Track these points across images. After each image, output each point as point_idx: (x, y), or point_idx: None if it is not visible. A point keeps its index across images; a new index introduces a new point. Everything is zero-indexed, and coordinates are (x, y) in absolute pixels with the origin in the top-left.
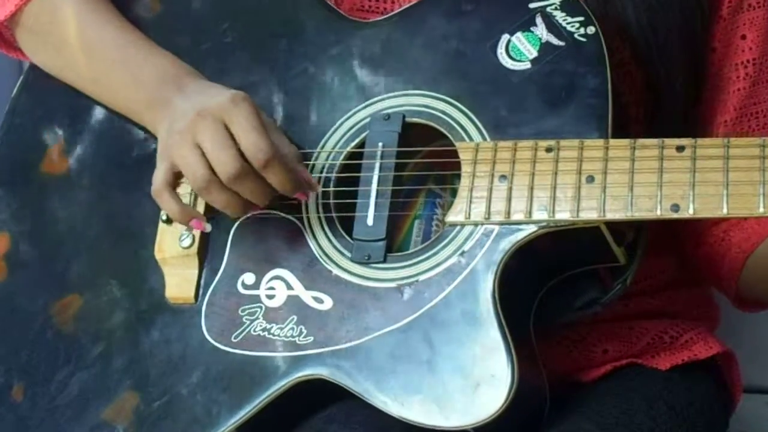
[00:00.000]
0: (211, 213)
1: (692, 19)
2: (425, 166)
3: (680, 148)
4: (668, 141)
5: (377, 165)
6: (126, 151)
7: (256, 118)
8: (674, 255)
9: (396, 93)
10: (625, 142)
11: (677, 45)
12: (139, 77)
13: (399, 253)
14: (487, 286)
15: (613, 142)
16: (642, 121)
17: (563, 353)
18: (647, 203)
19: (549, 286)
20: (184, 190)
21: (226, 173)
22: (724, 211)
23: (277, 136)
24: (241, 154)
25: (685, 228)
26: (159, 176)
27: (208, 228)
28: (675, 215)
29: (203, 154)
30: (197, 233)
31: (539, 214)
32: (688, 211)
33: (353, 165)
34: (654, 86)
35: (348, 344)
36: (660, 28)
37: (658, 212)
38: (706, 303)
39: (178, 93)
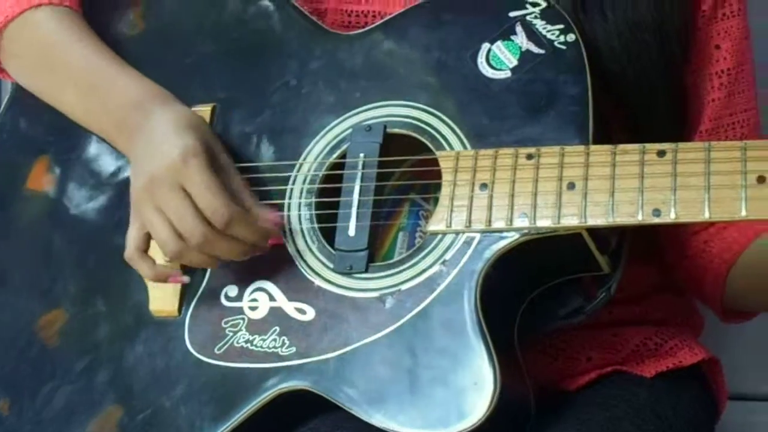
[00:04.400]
0: None
1: (670, 44)
2: (408, 177)
3: (661, 153)
4: (649, 146)
5: (359, 176)
6: (110, 168)
7: (209, 175)
8: (657, 262)
9: (377, 104)
10: (606, 147)
11: (653, 72)
12: (108, 105)
13: (381, 263)
14: (469, 294)
15: (594, 148)
16: (626, 131)
17: (547, 361)
18: (628, 209)
19: (533, 295)
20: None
21: (194, 242)
22: (706, 215)
23: (233, 179)
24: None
25: (666, 238)
26: (131, 241)
27: (187, 280)
28: (657, 220)
29: (169, 222)
30: None
31: (520, 222)
32: (670, 216)
33: (335, 176)
34: (633, 113)
35: (330, 354)
36: (634, 54)
37: (640, 217)
38: (690, 310)
39: (145, 117)
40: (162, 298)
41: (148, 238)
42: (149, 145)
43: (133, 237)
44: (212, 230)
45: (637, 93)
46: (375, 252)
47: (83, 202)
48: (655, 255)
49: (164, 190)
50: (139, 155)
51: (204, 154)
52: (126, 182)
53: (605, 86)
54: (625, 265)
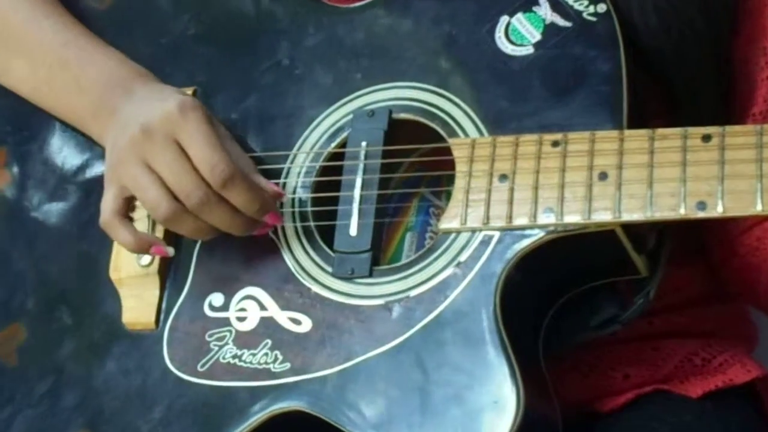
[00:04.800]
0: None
1: (715, 18)
2: (417, 169)
3: (706, 138)
4: (692, 130)
5: (360, 167)
6: (76, 162)
7: (209, 129)
8: (704, 265)
9: (381, 86)
10: (643, 132)
11: (697, 50)
12: (81, 82)
13: (386, 266)
14: (487, 301)
15: (628, 133)
16: (665, 115)
17: (577, 379)
18: (669, 201)
19: (560, 302)
20: (139, 215)
21: (193, 202)
22: (758, 207)
23: (231, 146)
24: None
25: (713, 235)
26: (107, 205)
27: (171, 252)
28: (702, 214)
29: (161, 181)
30: None
31: (545, 218)
32: (717, 209)
33: (334, 168)
34: (673, 93)
35: (329, 371)
36: (675, 28)
37: (682, 211)
38: (742, 319)
39: (125, 100)
40: (137, 309)
41: (128, 202)
42: (136, 105)
43: (110, 200)
44: (211, 190)
45: (678, 70)
46: (380, 254)
47: (45, 202)
48: (701, 256)
49: (157, 144)
50: (121, 120)
51: (203, 109)
52: (96, 179)
53: (641, 63)
54: (666, 267)
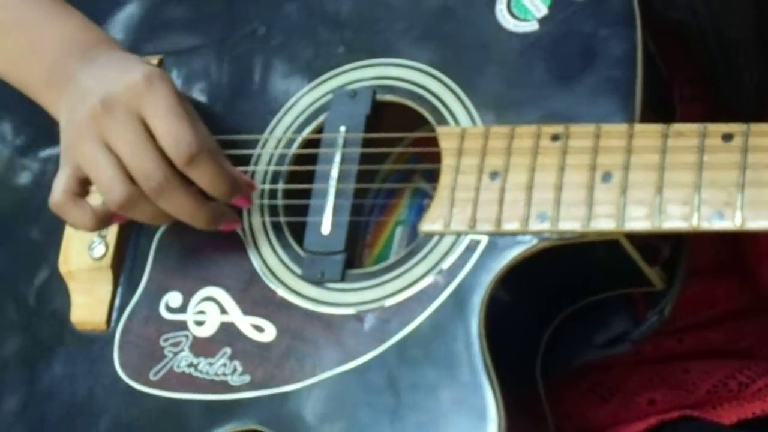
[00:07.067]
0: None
1: None
2: (410, 158)
3: (727, 137)
4: (712, 127)
5: (338, 155)
6: (28, 140)
7: (177, 102)
8: (741, 278)
9: (365, 62)
10: (655, 128)
11: (737, 28)
12: (37, 44)
13: (361, 271)
14: (471, 315)
15: (639, 128)
16: (702, 99)
17: (596, 403)
18: (680, 210)
19: (561, 317)
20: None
21: (151, 187)
22: None
23: (198, 126)
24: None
25: (754, 245)
26: (58, 184)
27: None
28: (718, 226)
29: (117, 160)
30: (112, 240)
31: (539, 223)
32: (734, 221)
33: (310, 156)
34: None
35: (292, 387)
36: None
37: (695, 222)
38: None
39: (84, 66)
40: (86, 306)
41: (82, 184)
42: (96, 74)
43: (62, 180)
44: (173, 172)
45: (714, 50)
46: (367, 250)
47: None
48: (738, 267)
49: (117, 118)
50: (79, 90)
51: (171, 81)
52: (49, 159)
53: (670, 36)
54: (694, 279)
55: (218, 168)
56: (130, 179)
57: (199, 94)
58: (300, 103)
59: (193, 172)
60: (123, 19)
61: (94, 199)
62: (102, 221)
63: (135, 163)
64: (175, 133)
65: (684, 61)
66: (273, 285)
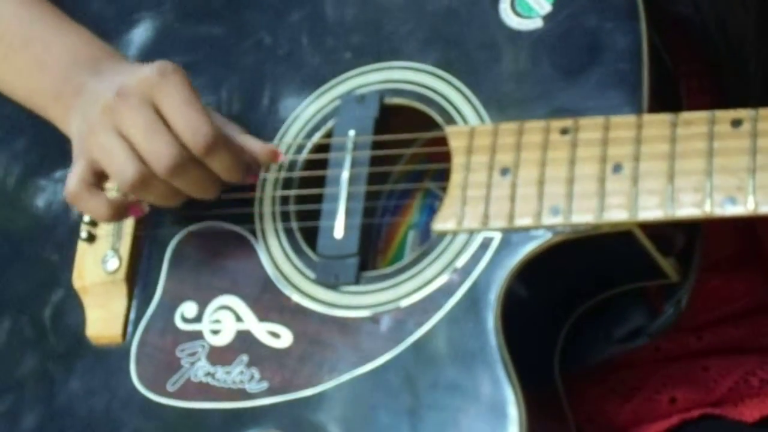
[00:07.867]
0: (142, 230)
1: None
2: (420, 160)
3: (736, 123)
4: (720, 114)
5: (348, 159)
6: (38, 159)
7: (191, 92)
8: (761, 271)
9: (372, 67)
10: (664, 118)
11: (741, 18)
12: (44, 60)
13: (375, 273)
14: (487, 312)
15: (648, 118)
16: (709, 91)
17: (617, 403)
18: (693, 197)
19: (578, 311)
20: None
21: (162, 166)
22: None
23: (214, 114)
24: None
25: None
26: (73, 176)
27: (147, 208)
28: (731, 210)
29: (130, 145)
30: (125, 253)
31: (551, 217)
32: (747, 206)
33: (320, 161)
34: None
35: (311, 391)
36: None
37: (708, 208)
38: None
39: (93, 77)
40: (102, 320)
41: (96, 174)
42: (106, 83)
43: (77, 171)
44: (188, 153)
45: (718, 42)
46: (380, 256)
47: (4, 204)
48: (759, 260)
49: (132, 107)
50: (91, 97)
51: (184, 73)
52: (61, 179)
53: (674, 30)
54: (698, 270)
55: (233, 156)
56: (142, 162)
57: (206, 104)
58: (308, 110)
59: (210, 160)
60: (131, 37)
61: (110, 194)
62: (117, 211)
63: (145, 144)
64: (192, 123)
65: (689, 54)
66: (287, 291)
